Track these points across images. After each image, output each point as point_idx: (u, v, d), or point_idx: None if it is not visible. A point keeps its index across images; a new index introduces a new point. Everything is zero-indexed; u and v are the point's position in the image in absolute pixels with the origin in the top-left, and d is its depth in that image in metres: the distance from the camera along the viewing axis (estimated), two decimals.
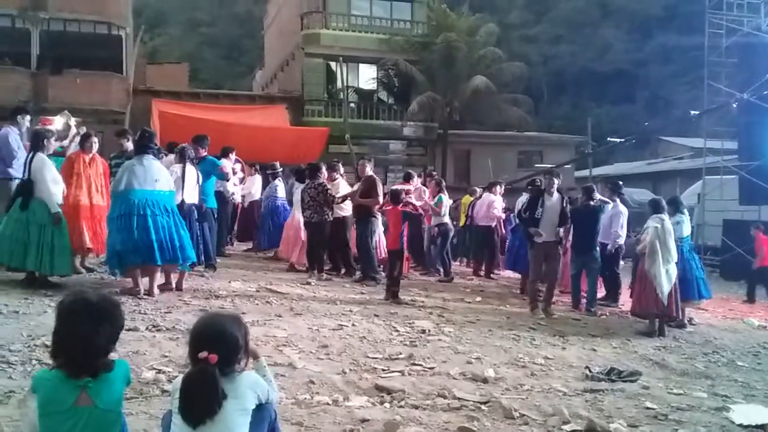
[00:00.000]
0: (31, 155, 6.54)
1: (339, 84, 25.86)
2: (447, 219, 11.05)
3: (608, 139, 23.83)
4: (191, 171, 7.67)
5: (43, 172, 6.43)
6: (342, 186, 10.14)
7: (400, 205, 8.64)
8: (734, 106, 16.01)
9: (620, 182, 10.31)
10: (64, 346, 2.34)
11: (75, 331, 2.31)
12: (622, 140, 26.92)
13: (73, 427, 2.29)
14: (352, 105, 25.78)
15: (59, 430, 2.30)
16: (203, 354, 2.35)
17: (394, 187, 9.62)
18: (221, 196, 9.81)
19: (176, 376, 4.04)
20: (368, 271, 9.36)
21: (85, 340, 2.30)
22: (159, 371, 4.36)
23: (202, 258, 8.12)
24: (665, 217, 7.80)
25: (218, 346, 2.38)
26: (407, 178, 10.95)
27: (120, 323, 2.44)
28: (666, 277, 7.52)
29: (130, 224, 6.44)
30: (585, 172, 28.76)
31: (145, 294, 6.63)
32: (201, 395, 2.33)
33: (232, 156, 10.58)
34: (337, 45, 24.88)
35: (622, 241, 9.46)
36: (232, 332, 2.49)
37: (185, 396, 2.35)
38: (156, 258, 6.52)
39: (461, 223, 13.38)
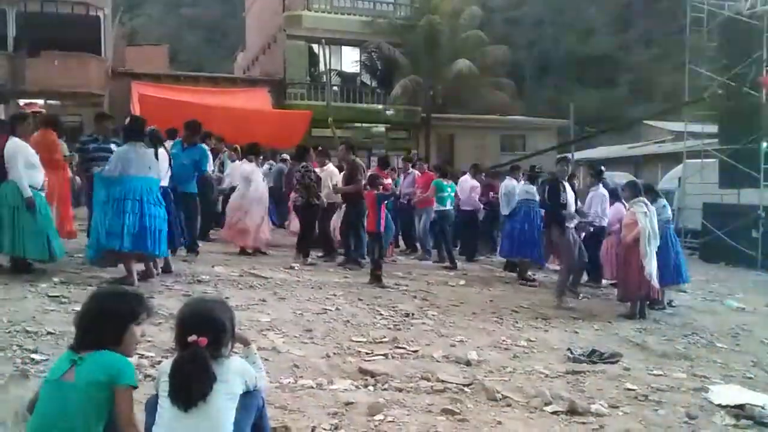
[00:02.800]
0: (5, 139, 6.42)
1: (321, 67, 25.69)
2: (449, 206, 10.78)
3: (586, 128, 23.88)
4: (163, 154, 7.51)
5: (17, 157, 6.32)
6: (334, 173, 10.01)
7: (376, 188, 8.66)
8: (706, 97, 16.25)
9: (602, 167, 10.43)
10: (76, 325, 2.53)
11: (80, 315, 2.53)
12: (599, 131, 26.95)
13: (56, 398, 2.36)
14: (334, 88, 25.60)
15: (47, 400, 2.39)
16: (192, 338, 2.36)
17: (371, 173, 9.61)
18: (206, 181, 9.71)
19: (159, 361, 4.03)
20: (355, 254, 9.33)
21: (83, 323, 2.49)
22: (141, 356, 4.33)
23: (182, 241, 8.07)
24: (646, 200, 7.84)
25: (207, 330, 2.40)
26: (384, 165, 10.76)
27: (122, 318, 2.50)
28: (652, 261, 7.59)
29: (124, 209, 6.36)
30: (567, 156, 28.88)
31: (122, 280, 6.56)
32: (192, 378, 2.34)
33: (211, 141, 10.46)
34: (320, 27, 24.66)
35: (603, 222, 9.54)
36: (220, 316, 2.51)
37: (176, 380, 2.35)
38: (146, 246, 6.46)
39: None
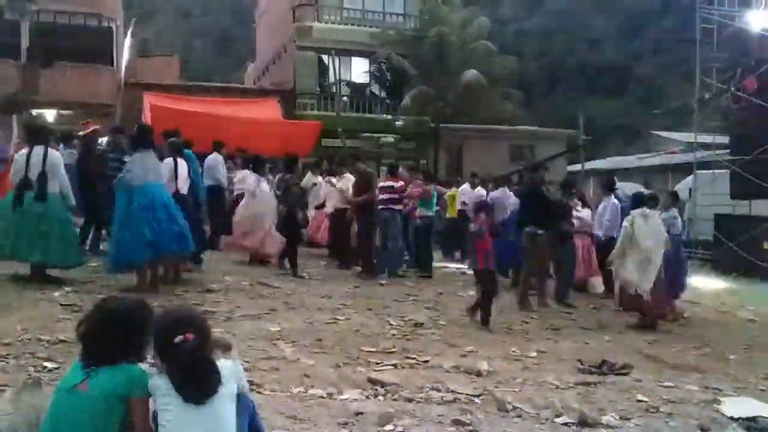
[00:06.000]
0: (43, 150, 6.51)
1: (331, 77, 25.78)
2: (432, 212, 10.82)
3: (582, 137, 23.63)
4: (182, 162, 7.67)
5: (60, 167, 6.57)
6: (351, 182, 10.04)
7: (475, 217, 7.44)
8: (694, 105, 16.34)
9: (614, 177, 10.45)
10: (83, 338, 2.49)
11: (90, 327, 2.49)
12: (588, 139, 26.50)
13: (68, 407, 2.37)
14: (344, 99, 25.69)
15: (58, 407, 2.41)
16: (179, 338, 2.36)
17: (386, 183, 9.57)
18: (217, 190, 9.76)
19: None
20: (368, 264, 9.32)
21: (94, 335, 2.47)
22: (152, 365, 4.35)
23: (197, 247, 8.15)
24: (638, 213, 7.69)
25: (187, 328, 2.41)
26: (393, 172, 10.65)
27: (137, 329, 2.51)
28: (643, 274, 7.52)
29: (154, 216, 6.48)
30: (578, 167, 28.85)
31: (136, 288, 6.61)
32: (197, 373, 2.35)
33: (223, 150, 10.53)
34: (330, 38, 24.77)
35: (612, 232, 9.50)
36: (194, 314, 2.58)
37: (180, 380, 2.34)
38: (174, 249, 6.65)
39: (453, 214, 13.18)
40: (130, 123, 15.16)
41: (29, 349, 4.42)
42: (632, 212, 7.75)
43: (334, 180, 10.68)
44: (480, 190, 11.96)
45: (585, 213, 10.06)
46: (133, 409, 2.39)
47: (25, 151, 6.62)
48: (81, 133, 10.37)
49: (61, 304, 5.75)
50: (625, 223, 7.67)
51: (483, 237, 7.09)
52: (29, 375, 3.92)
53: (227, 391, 2.41)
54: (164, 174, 7.18)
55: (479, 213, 7.29)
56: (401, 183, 10.25)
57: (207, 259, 8.74)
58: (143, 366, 2.53)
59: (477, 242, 7.14)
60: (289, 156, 9.87)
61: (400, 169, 11.00)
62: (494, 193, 10.77)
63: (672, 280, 8.25)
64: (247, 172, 11.81)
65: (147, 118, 16.50)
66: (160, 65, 29.47)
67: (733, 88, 15.05)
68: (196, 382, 2.34)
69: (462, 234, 11.98)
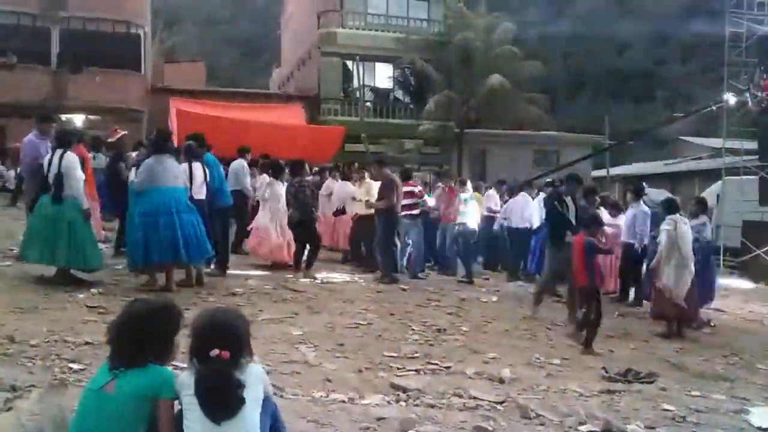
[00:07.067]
0: (61, 152, 6.62)
1: (355, 83, 25.89)
2: (467, 220, 10.64)
3: (608, 142, 23.37)
4: (198, 167, 7.70)
5: (76, 170, 6.63)
6: (372, 186, 10.04)
7: (587, 232, 6.78)
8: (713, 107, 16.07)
9: (643, 183, 10.35)
10: (110, 340, 2.53)
11: (117, 329, 2.53)
12: (618, 142, 26.14)
13: (95, 408, 2.41)
14: (368, 104, 25.79)
15: (85, 408, 2.45)
16: (215, 352, 2.37)
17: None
18: (240, 195, 9.81)
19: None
20: (387, 269, 9.31)
21: (122, 337, 2.50)
22: (175, 367, 4.38)
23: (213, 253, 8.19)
24: (677, 218, 7.65)
25: (228, 342, 2.41)
26: (407, 177, 10.45)
27: (165, 331, 2.56)
28: (679, 280, 7.42)
29: (157, 222, 6.57)
30: (603, 172, 28.59)
31: (161, 289, 6.69)
32: (222, 394, 2.34)
33: (248, 156, 10.59)
34: (354, 44, 24.90)
35: (645, 241, 9.38)
36: (238, 326, 2.53)
37: (204, 397, 2.35)
38: (182, 256, 6.67)
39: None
40: (158, 128, 15.36)
41: (55, 351, 4.48)
42: (670, 217, 7.63)
43: (353, 186, 10.70)
44: (523, 198, 11.71)
45: (619, 220, 9.94)
46: (159, 410, 2.41)
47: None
48: (110, 140, 10.58)
49: (86, 306, 5.82)
50: (667, 227, 7.53)
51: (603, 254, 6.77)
52: (55, 376, 3.97)
53: (253, 396, 2.41)
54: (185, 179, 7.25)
55: (600, 227, 6.93)
56: (419, 188, 10.33)
57: (230, 263, 8.81)
58: (169, 368, 2.56)
59: (595, 259, 6.66)
60: (296, 160, 9.87)
61: (418, 175, 11.00)
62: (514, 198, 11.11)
63: (702, 287, 8.12)
64: (266, 177, 11.87)
65: (173, 123, 16.70)
66: (187, 71, 29.85)
67: (758, 93, 14.80)
68: (217, 403, 2.35)
69: (492, 240, 12.02)
